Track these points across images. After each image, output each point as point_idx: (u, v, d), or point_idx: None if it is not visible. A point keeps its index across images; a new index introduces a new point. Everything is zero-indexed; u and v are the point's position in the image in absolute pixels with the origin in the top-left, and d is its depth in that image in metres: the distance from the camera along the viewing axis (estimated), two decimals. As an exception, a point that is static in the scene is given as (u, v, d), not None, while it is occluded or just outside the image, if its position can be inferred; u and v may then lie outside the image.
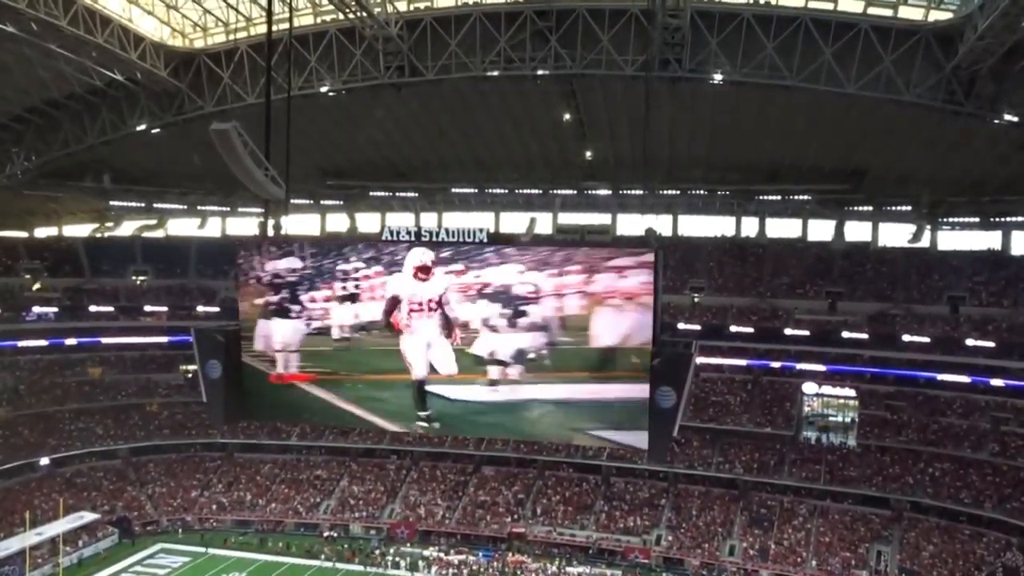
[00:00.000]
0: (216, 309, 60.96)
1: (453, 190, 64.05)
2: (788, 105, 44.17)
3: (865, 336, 52.69)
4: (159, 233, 71.66)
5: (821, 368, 53.73)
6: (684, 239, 62.90)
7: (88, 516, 48.79)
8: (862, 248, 59.72)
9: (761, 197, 59.17)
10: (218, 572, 45.65)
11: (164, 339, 62.70)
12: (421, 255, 18.48)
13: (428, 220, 66.42)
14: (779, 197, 58.57)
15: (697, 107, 47.05)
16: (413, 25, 41.98)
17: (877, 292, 55.88)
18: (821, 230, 61.07)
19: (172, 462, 57.83)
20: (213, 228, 71.72)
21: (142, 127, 49.31)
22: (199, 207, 69.64)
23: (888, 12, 37.77)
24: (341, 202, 67.94)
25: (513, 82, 44.88)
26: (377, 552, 48.24)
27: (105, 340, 61.91)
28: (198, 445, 58.95)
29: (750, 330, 55.30)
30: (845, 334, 52.98)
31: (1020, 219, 55.01)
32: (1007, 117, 36.84)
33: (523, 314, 18.35)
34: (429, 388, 19.71)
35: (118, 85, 47.37)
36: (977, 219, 56.17)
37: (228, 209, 69.64)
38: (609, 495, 52.50)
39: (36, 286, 62.27)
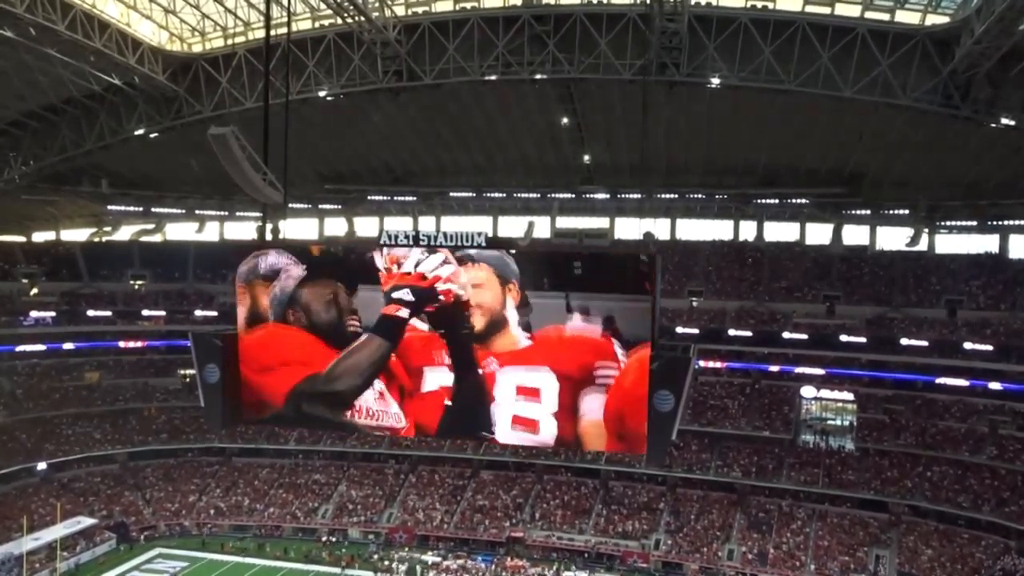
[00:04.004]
0: (214, 313, 60.89)
1: (451, 194, 64.17)
2: (786, 109, 44.30)
3: (863, 339, 52.72)
4: (157, 237, 71.64)
5: (819, 371, 53.78)
6: (682, 243, 63.01)
7: (86, 521, 48.62)
8: (860, 251, 59.83)
9: (759, 201, 59.38)
10: (216, 577, 45.66)
11: (162, 343, 62.65)
12: None
13: (426, 224, 66.56)
14: (777, 201, 58.76)
15: (695, 111, 47.17)
16: (411, 30, 42.09)
17: (875, 295, 55.96)
18: (819, 234, 61.28)
19: (170, 467, 57.70)
20: (211, 232, 71.78)
21: (140, 132, 49.36)
22: (197, 211, 69.71)
23: (885, 16, 37.96)
24: (339, 206, 68.09)
25: (511, 86, 44.99)
26: (376, 557, 48.15)
27: (103, 344, 61.83)
28: (196, 450, 58.80)
29: (748, 334, 55.31)
30: (843, 337, 52.98)
31: (1017, 222, 55.18)
32: (1004, 120, 36.98)
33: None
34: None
35: (116, 90, 47.43)
36: (974, 222, 56.30)
37: (226, 213, 69.74)
38: (608, 499, 52.46)
39: (34, 291, 62.20)
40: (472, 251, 17.31)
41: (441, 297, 17.55)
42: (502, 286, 17.17)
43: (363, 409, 18.83)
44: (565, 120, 49.38)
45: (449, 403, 18.07)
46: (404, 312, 17.87)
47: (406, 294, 17.83)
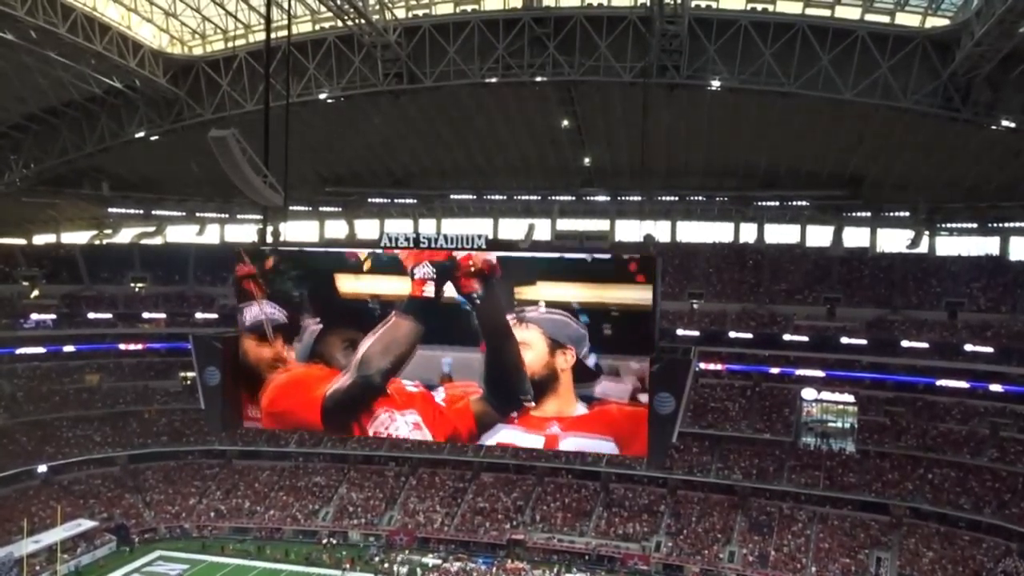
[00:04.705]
0: (215, 316, 60.93)
1: (451, 196, 64.14)
2: (786, 111, 44.32)
3: (864, 342, 52.68)
4: (157, 240, 71.71)
5: (820, 374, 53.70)
6: (683, 245, 62.97)
7: (86, 523, 48.57)
8: (860, 254, 59.83)
9: (759, 203, 59.36)
10: (216, 580, 45.61)
11: (162, 345, 62.68)
12: None
13: (427, 226, 66.55)
14: (777, 203, 58.75)
15: (695, 113, 47.23)
16: (411, 32, 42.13)
17: (875, 298, 55.92)
18: (819, 236, 61.32)
19: (170, 469, 57.64)
20: (212, 235, 71.83)
21: (141, 134, 49.43)
22: (198, 214, 69.75)
23: (885, 19, 38.03)
24: (340, 209, 68.08)
25: (511, 88, 45.02)
26: (376, 559, 48.12)
27: (103, 347, 61.83)
28: (196, 452, 58.72)
29: (749, 336, 55.26)
30: (844, 340, 52.95)
31: (1018, 224, 55.16)
32: (1004, 123, 37.04)
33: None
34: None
35: (117, 92, 47.50)
36: (975, 225, 56.31)
37: (227, 216, 69.79)
38: (608, 501, 52.41)
39: (34, 293, 62.17)
40: (528, 312, 17.36)
41: (460, 263, 17.68)
42: (551, 350, 17.29)
43: (396, 436, 19.29)
44: (565, 122, 49.42)
45: (481, 391, 18.13)
46: (430, 289, 17.97)
47: (428, 270, 17.94)
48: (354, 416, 19.47)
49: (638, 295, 16.97)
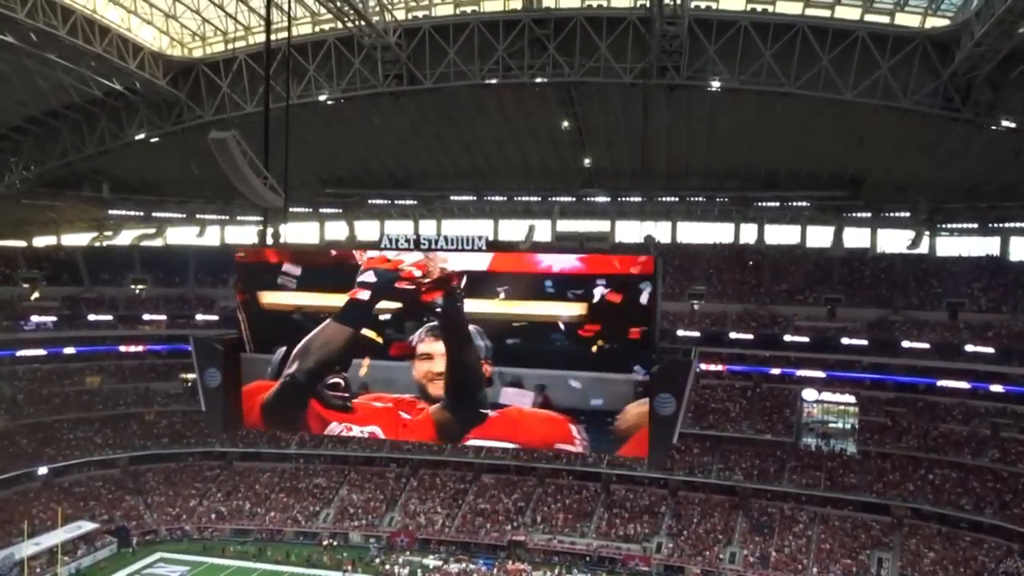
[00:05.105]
0: (215, 317, 60.90)
1: (452, 197, 64.14)
2: (786, 112, 44.29)
3: (864, 342, 52.64)
4: (158, 242, 71.77)
5: (821, 374, 53.68)
6: (683, 246, 62.97)
7: (87, 525, 48.57)
8: (861, 254, 59.83)
9: (760, 204, 59.35)
10: (217, 581, 45.59)
11: (163, 347, 62.70)
12: None
13: (427, 227, 66.51)
14: (778, 204, 58.73)
15: (695, 114, 47.22)
16: (411, 33, 42.14)
17: (876, 298, 55.88)
18: (820, 237, 61.31)
19: (171, 471, 57.63)
20: (212, 236, 71.83)
21: (141, 136, 49.44)
22: (198, 215, 69.78)
23: (885, 19, 38.03)
24: (340, 210, 68.07)
25: (511, 90, 45.02)
26: (377, 560, 48.11)
27: (104, 349, 61.84)
28: (197, 454, 58.71)
29: (750, 336, 55.23)
30: (844, 340, 52.92)
31: (1018, 224, 55.13)
32: (1004, 123, 37.02)
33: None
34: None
35: (117, 95, 47.51)
36: (975, 225, 56.30)
37: (227, 217, 69.83)
38: (609, 502, 52.38)
39: (35, 295, 62.15)
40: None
41: (404, 277, 17.67)
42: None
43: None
44: (566, 123, 49.41)
45: (442, 395, 18.19)
46: (365, 294, 18.00)
47: (369, 276, 17.95)
48: (292, 420, 20.11)
49: (566, 310, 17.08)
